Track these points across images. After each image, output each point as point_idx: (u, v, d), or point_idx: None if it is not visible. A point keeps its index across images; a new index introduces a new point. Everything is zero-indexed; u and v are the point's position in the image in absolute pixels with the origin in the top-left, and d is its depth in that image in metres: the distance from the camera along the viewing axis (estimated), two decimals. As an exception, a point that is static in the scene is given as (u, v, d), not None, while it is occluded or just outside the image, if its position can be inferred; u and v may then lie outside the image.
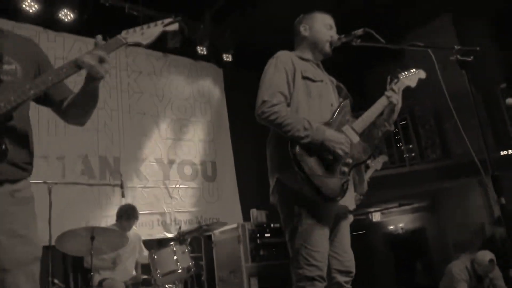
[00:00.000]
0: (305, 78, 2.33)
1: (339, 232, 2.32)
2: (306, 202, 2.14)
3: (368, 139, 2.41)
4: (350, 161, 2.23)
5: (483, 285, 4.84)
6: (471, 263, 4.88)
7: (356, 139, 2.28)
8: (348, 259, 2.30)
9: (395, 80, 2.47)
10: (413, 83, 2.49)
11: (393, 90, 2.42)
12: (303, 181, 2.07)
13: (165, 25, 1.73)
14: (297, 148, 2.12)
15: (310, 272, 2.11)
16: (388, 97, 2.38)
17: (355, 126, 2.31)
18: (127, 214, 4.40)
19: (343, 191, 2.17)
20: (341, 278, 2.24)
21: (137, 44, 1.71)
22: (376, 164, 4.41)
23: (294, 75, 2.30)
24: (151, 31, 1.71)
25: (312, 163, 2.12)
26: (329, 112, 2.31)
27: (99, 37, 1.65)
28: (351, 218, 2.41)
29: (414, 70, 2.49)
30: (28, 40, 1.85)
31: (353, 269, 2.30)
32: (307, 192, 2.11)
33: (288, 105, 2.25)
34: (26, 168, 1.69)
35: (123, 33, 1.69)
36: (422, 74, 2.51)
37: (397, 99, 2.39)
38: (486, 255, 4.84)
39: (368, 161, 4.42)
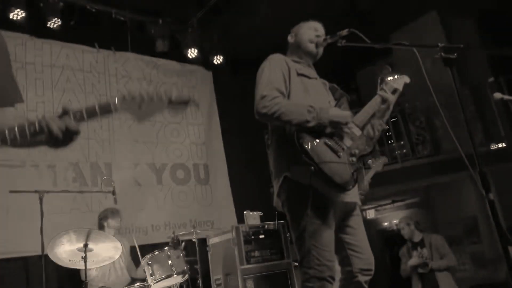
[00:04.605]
0: (300, 75, 2.39)
1: (355, 230, 2.33)
2: (315, 200, 2.14)
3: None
4: (357, 151, 2.26)
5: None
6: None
7: (358, 132, 2.32)
8: (369, 256, 2.31)
9: (385, 82, 2.53)
10: (400, 86, 2.55)
11: (384, 90, 2.48)
12: (314, 172, 2.07)
13: (171, 104, 1.44)
14: (304, 137, 2.13)
15: (321, 273, 2.11)
16: (381, 96, 2.45)
17: (356, 120, 2.36)
18: (112, 213, 4.38)
19: (353, 179, 2.18)
20: (362, 278, 2.25)
21: None
22: (377, 165, 4.48)
23: (289, 73, 2.35)
24: (151, 107, 1.43)
25: (319, 150, 2.13)
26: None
27: None
28: (360, 213, 2.43)
29: (398, 75, 2.56)
30: None
31: (373, 267, 2.30)
32: (318, 184, 2.10)
33: None
34: None
35: (119, 98, 1.43)
36: (406, 79, 2.59)
37: (388, 97, 2.45)
38: None
39: (369, 162, 4.48)
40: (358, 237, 2.32)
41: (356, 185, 2.38)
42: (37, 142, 1.47)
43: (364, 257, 2.28)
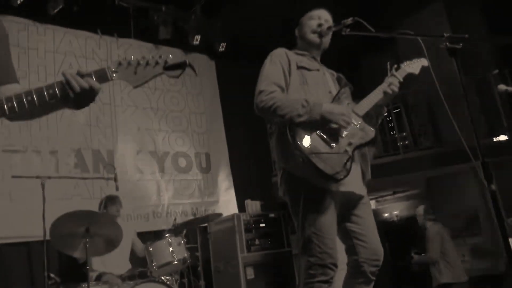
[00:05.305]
0: (300, 67, 2.38)
1: (361, 219, 2.30)
2: (312, 189, 2.15)
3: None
4: (352, 141, 2.24)
5: None
6: None
7: (357, 121, 2.30)
8: (376, 246, 2.26)
9: (395, 66, 2.48)
10: (416, 70, 2.50)
11: (395, 76, 2.44)
12: (304, 163, 2.08)
13: (168, 68, 1.46)
14: (296, 129, 2.14)
15: (323, 260, 2.12)
16: (389, 85, 2.40)
17: (356, 109, 2.34)
18: (110, 200, 4.40)
19: (346, 169, 2.14)
20: (368, 269, 2.22)
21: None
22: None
23: (289, 67, 2.36)
24: (147, 71, 1.46)
25: (311, 142, 2.13)
26: (328, 99, 2.34)
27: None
28: (369, 202, 2.39)
29: (415, 58, 2.50)
30: None
31: (381, 257, 2.25)
32: (309, 175, 2.11)
33: None
34: None
35: (114, 64, 1.47)
36: (424, 62, 2.52)
37: (397, 86, 2.42)
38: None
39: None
40: (364, 226, 2.28)
41: (360, 175, 2.36)
42: (56, 105, 1.47)
43: (370, 246, 2.24)
